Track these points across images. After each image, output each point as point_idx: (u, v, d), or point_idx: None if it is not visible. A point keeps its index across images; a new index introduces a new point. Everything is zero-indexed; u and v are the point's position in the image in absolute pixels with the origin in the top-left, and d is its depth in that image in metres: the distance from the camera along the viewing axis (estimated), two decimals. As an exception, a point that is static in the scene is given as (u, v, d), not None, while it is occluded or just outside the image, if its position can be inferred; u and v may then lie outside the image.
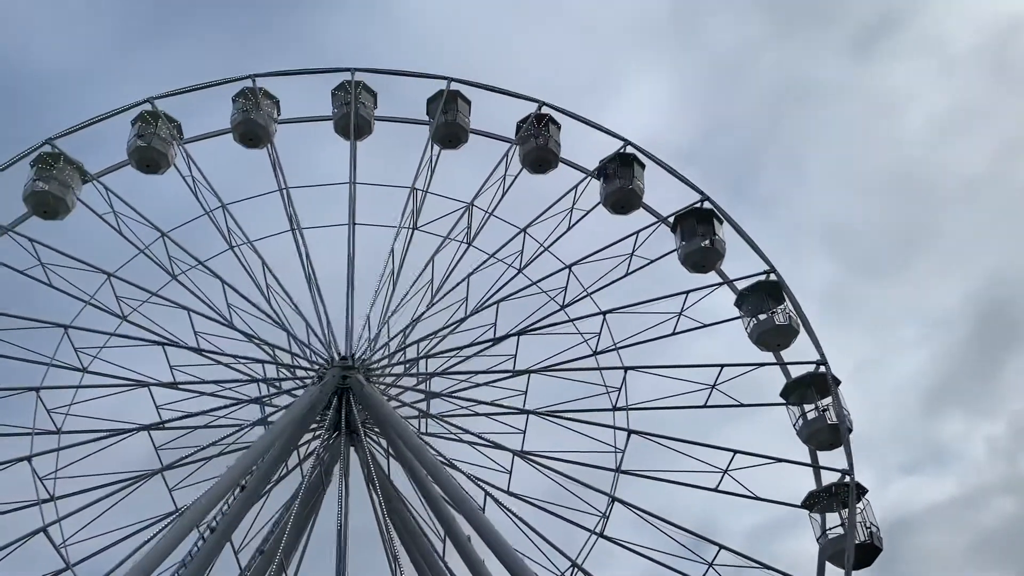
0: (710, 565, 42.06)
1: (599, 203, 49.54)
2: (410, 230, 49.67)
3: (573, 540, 43.22)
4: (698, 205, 48.26)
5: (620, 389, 45.45)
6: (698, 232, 47.73)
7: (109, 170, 49.94)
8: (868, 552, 41.97)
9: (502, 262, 48.67)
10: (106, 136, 49.62)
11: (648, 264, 48.17)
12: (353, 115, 51.13)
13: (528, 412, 44.97)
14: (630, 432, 44.75)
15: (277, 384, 45.97)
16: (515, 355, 46.28)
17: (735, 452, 43.35)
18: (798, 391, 45.01)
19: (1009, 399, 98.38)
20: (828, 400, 44.21)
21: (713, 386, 44.62)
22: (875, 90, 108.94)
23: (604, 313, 46.83)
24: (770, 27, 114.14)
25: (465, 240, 49.44)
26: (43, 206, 47.99)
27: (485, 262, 48.67)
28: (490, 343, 46.73)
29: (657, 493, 44.87)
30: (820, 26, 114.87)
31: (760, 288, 46.75)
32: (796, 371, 45.70)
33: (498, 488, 43.98)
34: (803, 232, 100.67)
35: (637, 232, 48.41)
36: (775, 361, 46.25)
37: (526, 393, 45.33)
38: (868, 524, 42.23)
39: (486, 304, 47.41)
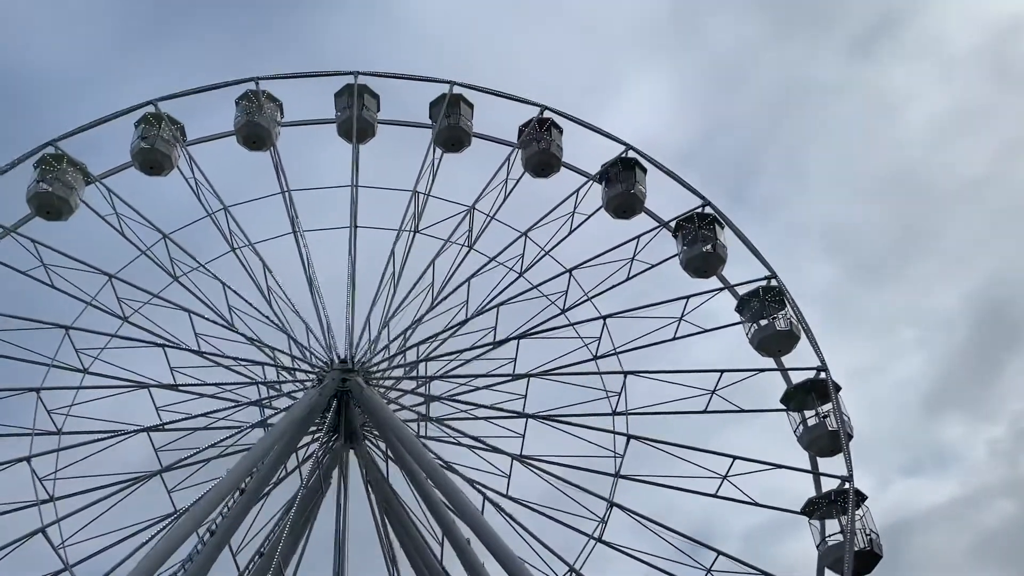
0: (708, 571, 41.96)
1: (601, 207, 49.47)
2: (411, 233, 49.64)
3: (571, 545, 43.22)
4: (700, 210, 48.20)
5: (620, 394, 45.38)
6: (700, 237, 47.68)
7: (112, 172, 49.98)
8: (868, 559, 41.84)
9: (503, 266, 48.62)
10: (108, 138, 49.82)
11: (649, 269, 48.12)
12: (355, 118, 51.17)
13: (527, 416, 44.89)
14: (629, 437, 44.66)
15: (277, 386, 45.98)
16: (515, 359, 46.25)
17: (734, 458, 43.24)
18: (798, 397, 44.93)
19: (1010, 401, 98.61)
20: (829, 406, 44.16)
21: (713, 391, 44.57)
22: (875, 91, 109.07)
23: (604, 317, 46.75)
24: (770, 28, 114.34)
25: (466, 243, 49.40)
26: (46, 207, 47.99)
27: (486, 265, 48.60)
28: (490, 347, 46.68)
29: (656, 496, 44.93)
30: (820, 27, 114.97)
31: (761, 293, 46.70)
32: (796, 376, 45.66)
33: (497, 492, 43.98)
34: (803, 233, 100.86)
35: (638, 236, 48.35)
36: (775, 367, 46.19)
37: (525, 397, 45.26)
38: (868, 531, 42.12)
39: (486, 308, 47.36)
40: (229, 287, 47.58)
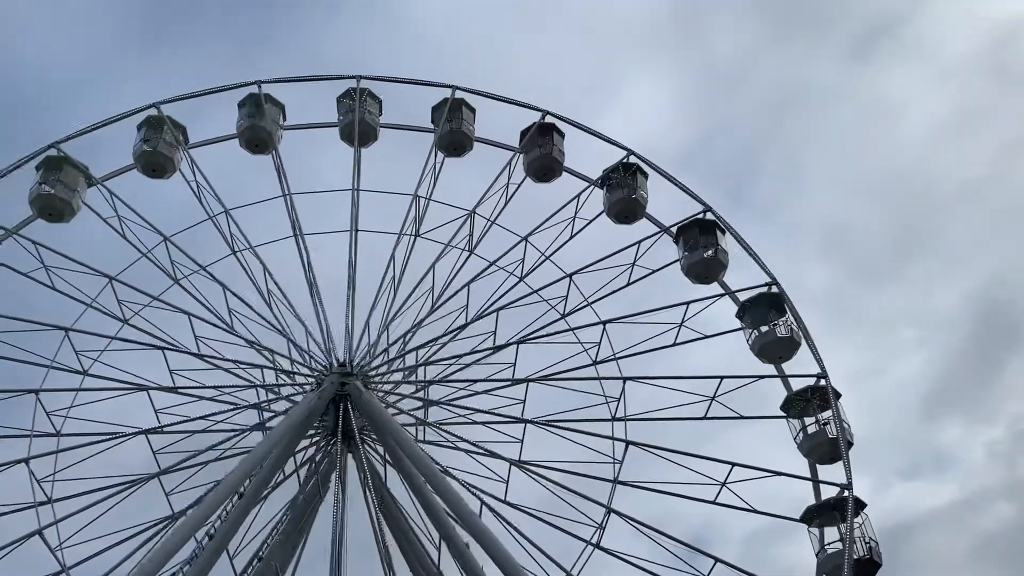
0: (706, 578, 41.78)
1: (602, 212, 49.41)
2: (412, 237, 49.58)
3: (569, 551, 42.99)
4: (701, 215, 48.08)
5: (619, 399, 45.23)
6: (701, 243, 47.56)
7: (114, 174, 50.17)
8: (867, 567, 41.58)
9: (503, 270, 48.55)
10: (109, 141, 49.96)
11: (650, 274, 48.01)
12: (357, 122, 51.18)
13: (526, 421, 44.78)
14: (628, 443, 44.47)
15: (276, 390, 45.96)
16: (514, 363, 46.13)
17: (733, 464, 43.05)
18: (799, 404, 44.74)
19: (1009, 403, 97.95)
20: (829, 413, 43.95)
21: (713, 398, 44.41)
22: (873, 93, 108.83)
23: (604, 323, 46.61)
24: (769, 30, 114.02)
25: (467, 248, 49.34)
26: (48, 209, 48.18)
27: (486, 270, 48.54)
28: (490, 351, 46.57)
29: (655, 501, 44.66)
30: (818, 30, 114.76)
31: (762, 300, 46.54)
32: (796, 383, 45.46)
33: (495, 497, 43.82)
34: (802, 236, 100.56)
35: (639, 242, 48.26)
36: (775, 373, 46.01)
37: (524, 402, 45.19)
38: (867, 539, 41.86)
39: (486, 312, 47.28)
40: (229, 290, 47.63)
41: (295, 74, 52.60)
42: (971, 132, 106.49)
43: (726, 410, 44.45)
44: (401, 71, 57.58)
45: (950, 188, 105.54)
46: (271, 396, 45.86)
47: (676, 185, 48.97)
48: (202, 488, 43.23)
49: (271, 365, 45.97)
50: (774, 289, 46.55)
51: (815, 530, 43.03)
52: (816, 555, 42.68)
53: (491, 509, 43.47)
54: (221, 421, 45.23)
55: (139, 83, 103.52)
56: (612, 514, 43.31)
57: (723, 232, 47.67)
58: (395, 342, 46.31)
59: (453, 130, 50.93)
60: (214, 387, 45.78)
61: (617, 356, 46.02)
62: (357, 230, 49.14)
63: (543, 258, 48.67)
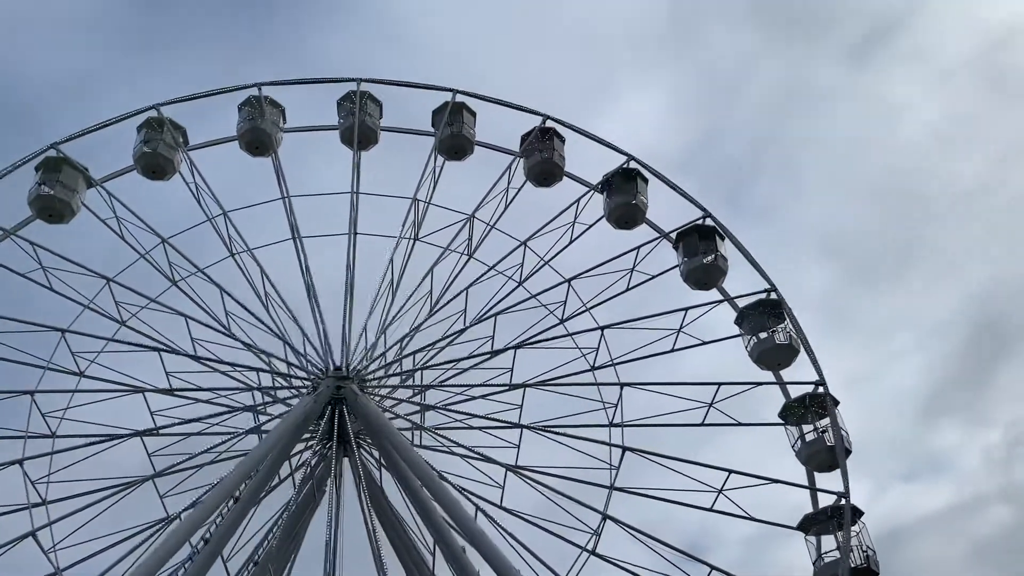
0: (701, 585, 41.59)
1: (602, 217, 49.25)
2: (411, 241, 49.47)
3: (565, 556, 42.78)
4: (700, 221, 47.88)
5: (616, 405, 45.04)
6: (700, 249, 47.35)
7: (113, 175, 50.12)
8: (865, 576, 41.39)
9: (502, 274, 48.43)
10: (109, 142, 49.88)
11: (649, 280, 47.81)
12: (357, 125, 51.09)
13: (522, 426, 44.61)
14: (625, 449, 44.26)
15: (272, 393, 45.82)
16: (512, 368, 45.98)
17: (730, 472, 42.82)
18: (797, 411, 44.50)
19: (1005, 407, 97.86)
20: (827, 421, 43.72)
21: (711, 404, 44.21)
22: (871, 99, 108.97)
23: (602, 328, 46.47)
24: (767, 35, 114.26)
25: (465, 252, 49.20)
26: (48, 210, 48.12)
27: (485, 274, 48.45)
28: (487, 356, 46.43)
29: (651, 506, 44.43)
30: (816, 36, 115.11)
31: (761, 306, 46.33)
32: (795, 390, 45.22)
33: (490, 502, 43.63)
34: (798, 241, 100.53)
35: (638, 247, 48.08)
36: (773, 380, 45.79)
37: (521, 407, 45.00)
38: (864, 548, 41.61)
39: (484, 316, 47.16)
40: (227, 292, 47.50)
41: (296, 77, 52.68)
42: (967, 138, 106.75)
43: (724, 417, 44.30)
44: (402, 74, 57.53)
45: (946, 194, 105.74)
46: (267, 399, 45.72)
47: (676, 191, 48.85)
48: (197, 491, 43.14)
49: (268, 368, 45.84)
50: (773, 295, 46.36)
51: (812, 538, 42.82)
52: (813, 563, 42.47)
53: (487, 514, 43.39)
54: (217, 424, 45.14)
55: (139, 84, 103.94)
56: (608, 520, 43.13)
57: (722, 238, 47.46)
58: (392, 346, 46.19)
59: (454, 134, 50.81)
60: (210, 389, 45.73)
61: (615, 362, 45.89)
62: (356, 233, 48.99)
63: (542, 263, 48.58)
